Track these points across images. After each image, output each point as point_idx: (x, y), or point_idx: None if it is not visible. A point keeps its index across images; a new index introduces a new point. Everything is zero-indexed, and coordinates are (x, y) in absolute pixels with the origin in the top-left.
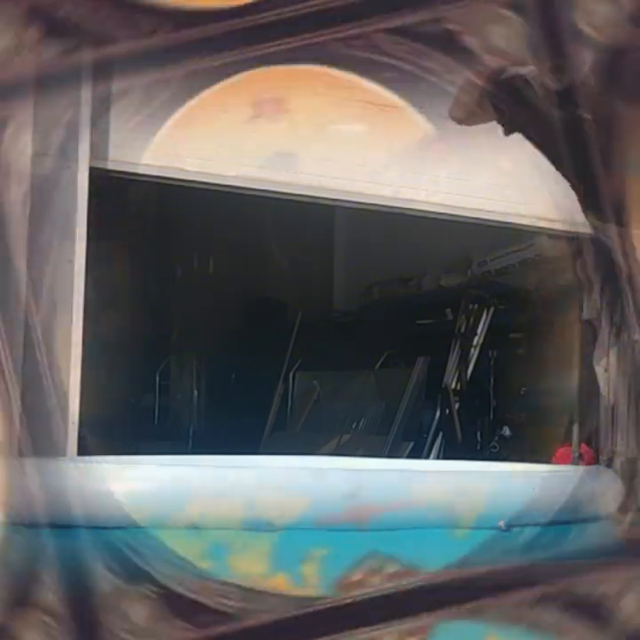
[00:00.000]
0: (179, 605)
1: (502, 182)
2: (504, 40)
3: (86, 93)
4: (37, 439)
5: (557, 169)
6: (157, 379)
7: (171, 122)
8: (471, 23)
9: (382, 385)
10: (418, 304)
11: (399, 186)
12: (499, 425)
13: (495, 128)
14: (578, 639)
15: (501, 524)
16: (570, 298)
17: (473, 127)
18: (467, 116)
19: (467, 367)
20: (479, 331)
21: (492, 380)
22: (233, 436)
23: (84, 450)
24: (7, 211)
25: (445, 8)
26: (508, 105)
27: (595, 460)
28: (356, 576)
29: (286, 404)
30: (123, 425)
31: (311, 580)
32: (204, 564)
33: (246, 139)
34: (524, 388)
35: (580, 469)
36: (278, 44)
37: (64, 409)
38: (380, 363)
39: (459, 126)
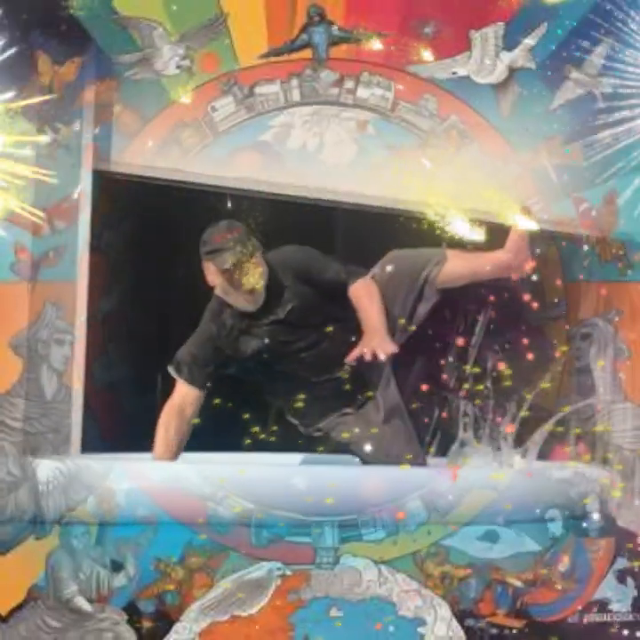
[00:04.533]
0: None
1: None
2: None
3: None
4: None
5: None
6: (159, 378)
7: None
8: None
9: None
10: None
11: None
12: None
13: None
14: None
15: (500, 520)
16: (567, 297)
17: (472, 129)
18: None
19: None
20: (477, 331)
21: (490, 380)
22: (232, 436)
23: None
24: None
25: None
26: None
27: (591, 458)
28: None
29: None
30: (125, 424)
31: None
32: None
33: None
34: (522, 389)
35: (578, 467)
36: None
37: (67, 407)
38: None
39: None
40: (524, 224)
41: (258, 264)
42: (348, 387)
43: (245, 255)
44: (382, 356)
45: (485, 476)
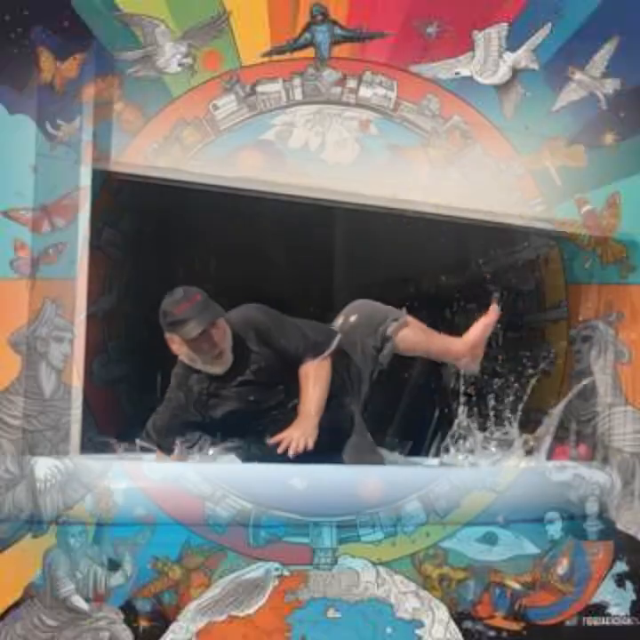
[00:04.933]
0: None
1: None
2: None
3: (89, 95)
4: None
5: None
6: (159, 378)
7: None
8: None
9: (382, 384)
10: (417, 304)
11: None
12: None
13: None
14: None
15: (500, 519)
16: (568, 299)
17: (475, 129)
18: None
19: None
20: None
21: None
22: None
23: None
24: None
25: None
26: None
27: (591, 458)
28: None
29: None
30: (123, 422)
31: None
32: None
33: None
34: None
35: (578, 469)
36: None
37: (66, 405)
38: None
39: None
40: (491, 318)
41: (222, 328)
42: (320, 440)
43: (209, 321)
44: (291, 452)
45: (486, 475)
